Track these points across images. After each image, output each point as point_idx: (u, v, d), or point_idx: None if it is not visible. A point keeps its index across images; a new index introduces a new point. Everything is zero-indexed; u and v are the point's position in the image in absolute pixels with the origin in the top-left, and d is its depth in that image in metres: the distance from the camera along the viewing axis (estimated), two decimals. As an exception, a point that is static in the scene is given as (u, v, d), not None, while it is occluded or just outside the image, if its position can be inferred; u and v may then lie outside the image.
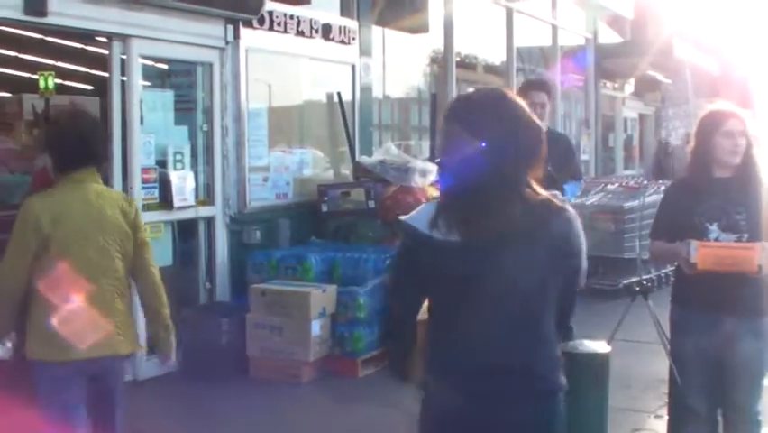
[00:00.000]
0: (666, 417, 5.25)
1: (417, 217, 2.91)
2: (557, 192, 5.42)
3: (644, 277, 9.04)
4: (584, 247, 2.98)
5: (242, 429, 6.39)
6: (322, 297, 7.56)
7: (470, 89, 2.95)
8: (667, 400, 4.79)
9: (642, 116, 22.73)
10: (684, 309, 4.67)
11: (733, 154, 4.55)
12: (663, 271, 10.98)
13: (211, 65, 8.19)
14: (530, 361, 2.86)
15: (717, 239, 4.46)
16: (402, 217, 2.97)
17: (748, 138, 4.58)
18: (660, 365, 6.57)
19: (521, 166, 2.84)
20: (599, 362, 3.98)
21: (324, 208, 8.76)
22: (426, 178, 8.77)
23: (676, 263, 4.71)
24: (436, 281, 2.89)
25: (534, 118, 2.91)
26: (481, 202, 2.81)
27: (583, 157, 16.84)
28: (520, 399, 2.84)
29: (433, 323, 2.95)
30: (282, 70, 9.34)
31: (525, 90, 6.06)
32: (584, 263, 3.03)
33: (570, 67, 16.36)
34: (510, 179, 2.81)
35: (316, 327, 7.47)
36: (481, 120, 2.84)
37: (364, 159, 9.37)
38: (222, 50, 8.21)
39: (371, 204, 8.49)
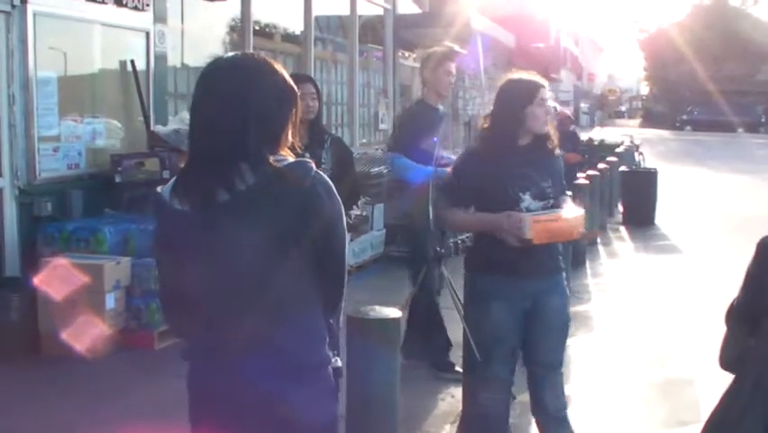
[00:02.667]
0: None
1: (167, 186, 2.86)
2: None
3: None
4: (338, 216, 2.86)
5: (27, 410, 6.20)
6: (116, 269, 7.42)
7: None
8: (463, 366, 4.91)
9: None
10: (491, 276, 4.76)
11: (543, 123, 4.72)
12: (460, 237, 11.30)
13: (-5, 30, 7.86)
14: (271, 336, 2.77)
15: (528, 207, 4.62)
16: (159, 187, 2.92)
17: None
18: (456, 330, 6.80)
19: (254, 133, 2.73)
20: (391, 327, 4.06)
21: (118, 179, 8.56)
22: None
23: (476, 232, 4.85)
24: (172, 251, 2.82)
25: (287, 85, 2.87)
26: (210, 170, 2.73)
27: (382, 126, 17.07)
28: (264, 375, 2.75)
29: (172, 297, 2.92)
30: (74, 37, 9.04)
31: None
32: (340, 232, 2.90)
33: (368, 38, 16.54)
34: (241, 146, 2.72)
35: (111, 300, 7.34)
36: (218, 84, 2.80)
37: (159, 128, 9.22)
38: (7, 14, 7.86)
39: (166, 174, 8.35)
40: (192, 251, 2.77)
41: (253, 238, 2.71)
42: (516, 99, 4.70)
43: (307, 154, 5.68)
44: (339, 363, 2.97)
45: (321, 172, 2.84)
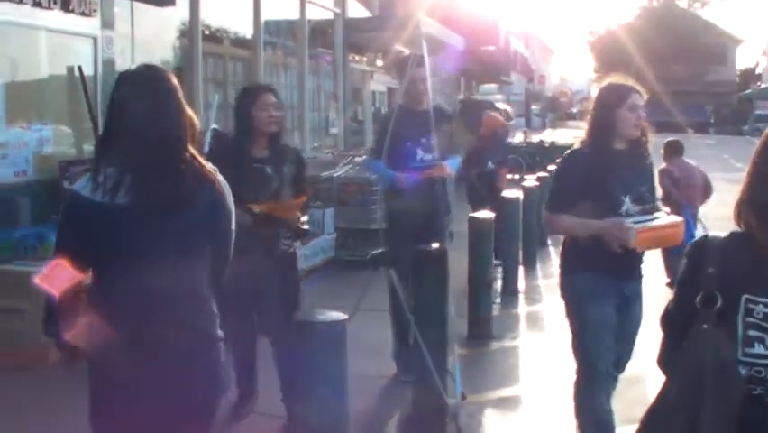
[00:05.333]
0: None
1: (82, 184, 3.13)
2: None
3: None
4: (232, 216, 3.34)
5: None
6: (65, 277, 7.35)
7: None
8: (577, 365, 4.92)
9: (390, 90, 23.27)
10: (593, 276, 4.77)
11: (635, 127, 4.77)
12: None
13: (-61, 37, 7.78)
14: (191, 317, 3.19)
15: (627, 211, 4.68)
16: (68, 186, 3.16)
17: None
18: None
19: (184, 136, 3.16)
20: (336, 329, 4.09)
21: (66, 185, 8.49)
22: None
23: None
24: (98, 244, 3.11)
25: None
26: (150, 168, 3.09)
27: (332, 130, 17.10)
28: (186, 352, 3.14)
29: (99, 285, 3.18)
30: (20, 42, 8.96)
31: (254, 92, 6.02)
32: (232, 222, 3.36)
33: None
34: (174, 147, 3.12)
35: (61, 308, 7.26)
36: (154, 90, 3.17)
37: (108, 134, 9.15)
38: (-49, 21, 7.81)
39: (115, 180, 8.31)
40: (130, 242, 3.09)
41: (190, 229, 3.14)
42: (608, 103, 4.78)
43: (268, 168, 5.69)
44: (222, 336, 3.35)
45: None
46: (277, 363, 5.82)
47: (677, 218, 4.81)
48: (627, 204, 4.70)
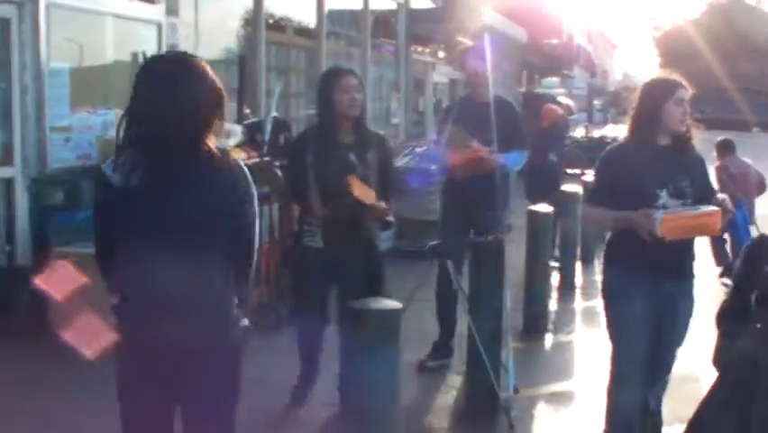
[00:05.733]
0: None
1: (108, 164, 3.28)
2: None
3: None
4: (254, 199, 3.35)
5: (35, 398, 6.26)
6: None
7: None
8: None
9: (452, 81, 23.23)
10: (623, 271, 4.77)
11: (681, 122, 4.74)
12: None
13: (8, 21, 7.90)
14: (201, 294, 3.22)
15: (665, 205, 4.61)
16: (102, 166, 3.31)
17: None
18: (461, 324, 6.83)
19: (200, 121, 3.20)
20: (391, 318, 4.10)
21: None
22: (232, 139, 8.74)
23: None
24: (119, 223, 3.24)
25: (216, 81, 3.26)
26: (166, 150, 3.17)
27: (393, 121, 17.09)
28: (194, 329, 3.19)
29: (120, 260, 3.30)
30: (86, 28, 9.10)
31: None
32: (253, 215, 3.36)
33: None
34: (191, 131, 3.17)
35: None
36: (169, 77, 3.21)
37: (170, 120, 9.24)
38: (20, 5, 7.93)
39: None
40: (146, 221, 3.21)
41: (204, 210, 3.21)
42: (654, 97, 4.74)
43: (351, 155, 5.64)
44: (246, 323, 3.44)
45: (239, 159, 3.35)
46: (342, 351, 5.72)
47: (713, 208, 4.70)
48: (664, 198, 4.63)
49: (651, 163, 4.66)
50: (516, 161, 7.10)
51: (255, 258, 3.47)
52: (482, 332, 6.01)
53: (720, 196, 4.78)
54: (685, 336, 4.90)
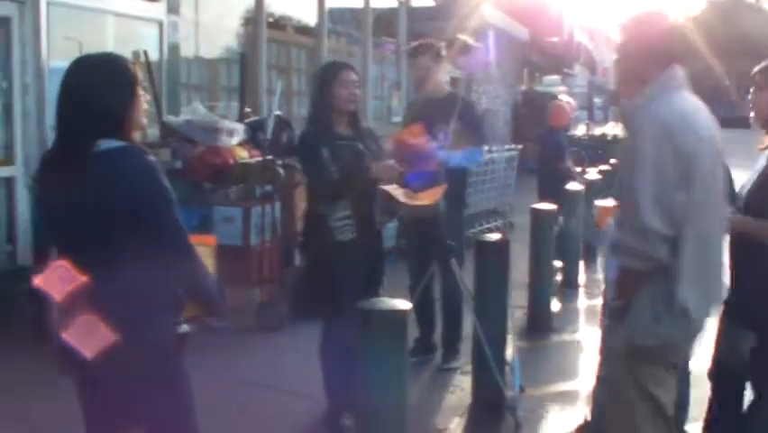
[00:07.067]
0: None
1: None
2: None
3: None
4: (158, 195, 3.21)
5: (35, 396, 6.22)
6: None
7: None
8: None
9: (453, 79, 23.18)
10: None
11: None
12: (471, 231, 11.26)
13: (9, 19, 7.87)
14: (111, 303, 3.13)
15: None
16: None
17: None
18: (466, 323, 6.80)
19: (92, 116, 3.13)
20: (397, 318, 4.05)
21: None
22: (234, 138, 8.70)
23: None
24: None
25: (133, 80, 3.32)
26: (55, 151, 3.17)
27: (394, 119, 17.05)
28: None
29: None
30: (87, 27, 9.07)
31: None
32: (163, 210, 3.23)
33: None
34: (77, 130, 3.12)
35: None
36: (65, 77, 3.21)
37: (171, 119, 9.20)
38: (21, 3, 7.89)
39: (178, 164, 8.36)
40: (51, 226, 3.33)
41: (102, 212, 3.08)
42: None
43: (359, 144, 5.59)
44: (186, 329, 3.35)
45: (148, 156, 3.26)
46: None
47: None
48: None
49: None
50: (469, 158, 6.91)
51: (192, 259, 3.30)
52: (487, 331, 5.98)
53: None
54: None
